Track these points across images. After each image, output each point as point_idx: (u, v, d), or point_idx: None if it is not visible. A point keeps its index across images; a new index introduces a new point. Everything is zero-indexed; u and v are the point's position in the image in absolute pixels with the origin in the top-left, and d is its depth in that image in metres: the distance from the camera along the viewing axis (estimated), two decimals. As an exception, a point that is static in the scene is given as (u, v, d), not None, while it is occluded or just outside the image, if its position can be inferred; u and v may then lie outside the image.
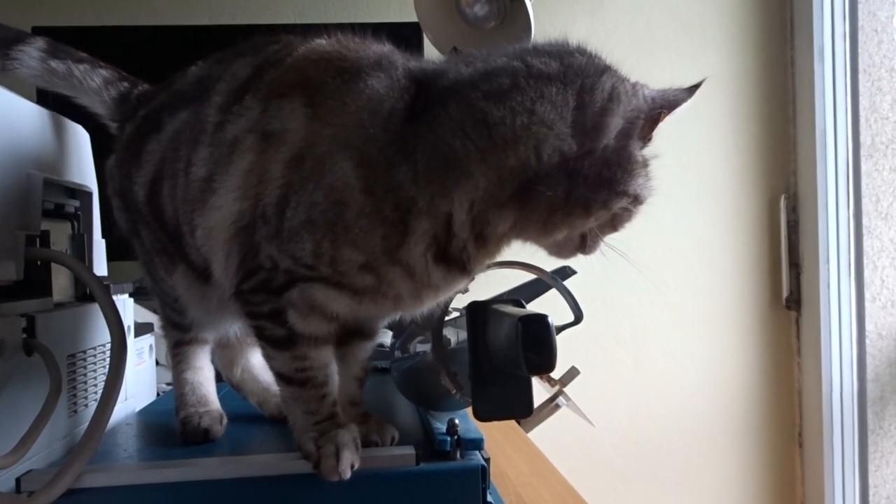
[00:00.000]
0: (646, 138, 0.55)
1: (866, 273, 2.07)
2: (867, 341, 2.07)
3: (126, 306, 0.95)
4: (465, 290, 0.63)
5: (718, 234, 2.17)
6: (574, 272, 0.80)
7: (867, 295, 2.07)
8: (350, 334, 0.66)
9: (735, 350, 2.17)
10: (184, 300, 0.72)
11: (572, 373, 1.50)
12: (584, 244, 0.58)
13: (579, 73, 0.54)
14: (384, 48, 0.59)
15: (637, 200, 0.55)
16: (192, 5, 1.94)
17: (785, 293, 2.16)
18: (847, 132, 2.04)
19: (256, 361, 0.83)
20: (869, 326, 2.07)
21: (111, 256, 0.89)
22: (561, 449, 1.81)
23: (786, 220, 2.15)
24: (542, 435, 1.50)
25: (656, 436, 2.14)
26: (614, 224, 0.57)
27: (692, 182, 2.15)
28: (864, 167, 2.06)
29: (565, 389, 1.53)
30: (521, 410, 0.58)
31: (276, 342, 0.60)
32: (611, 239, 0.59)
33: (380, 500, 0.60)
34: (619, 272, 2.12)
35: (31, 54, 0.77)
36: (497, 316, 0.56)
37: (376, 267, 0.55)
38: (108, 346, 0.89)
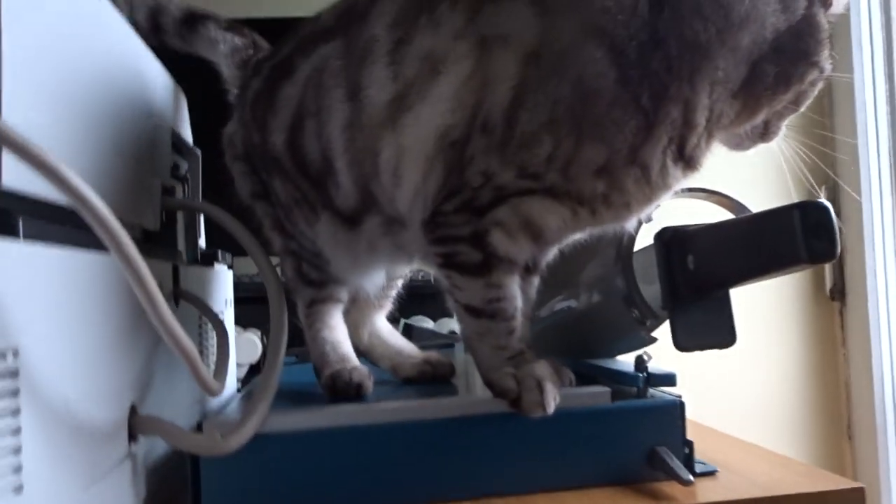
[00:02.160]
0: (827, 3, 0.56)
1: (910, 261, 2.07)
2: (915, 331, 2.05)
3: (228, 277, 0.92)
4: (650, 219, 0.60)
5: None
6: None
7: (913, 283, 2.07)
8: (522, 270, 0.62)
9: (779, 343, 2.15)
10: (327, 251, 0.69)
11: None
12: (768, 130, 0.60)
13: None
14: None
15: (822, 72, 0.57)
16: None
17: (829, 284, 2.14)
18: (887, 120, 2.05)
19: (383, 325, 0.79)
20: (917, 315, 2.06)
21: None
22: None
23: (827, 211, 2.14)
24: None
25: (700, 428, 2.11)
26: (798, 102, 0.58)
27: (732, 175, 2.15)
28: (904, 154, 2.06)
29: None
30: (726, 338, 0.55)
31: (470, 269, 0.56)
32: None
33: (576, 440, 0.56)
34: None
35: (210, 28, 0.79)
36: (712, 230, 0.53)
37: (615, 168, 0.53)
38: (222, 314, 0.85)
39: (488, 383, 0.57)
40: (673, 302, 0.55)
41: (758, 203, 2.12)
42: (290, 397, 0.73)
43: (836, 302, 2.16)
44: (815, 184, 2.21)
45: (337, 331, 0.72)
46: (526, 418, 0.55)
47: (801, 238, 0.48)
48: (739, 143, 0.60)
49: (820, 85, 0.58)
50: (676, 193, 0.60)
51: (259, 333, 1.35)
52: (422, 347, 0.79)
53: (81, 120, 0.51)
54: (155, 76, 0.75)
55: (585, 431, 0.56)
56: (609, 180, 0.54)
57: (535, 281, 0.65)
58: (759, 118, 0.57)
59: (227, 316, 0.90)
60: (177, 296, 0.63)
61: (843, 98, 2.12)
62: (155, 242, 0.67)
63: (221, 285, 0.87)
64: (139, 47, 0.72)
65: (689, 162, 0.55)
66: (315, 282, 0.71)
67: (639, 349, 0.65)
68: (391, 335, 0.78)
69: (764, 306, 2.15)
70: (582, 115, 0.52)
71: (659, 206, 0.59)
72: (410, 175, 0.57)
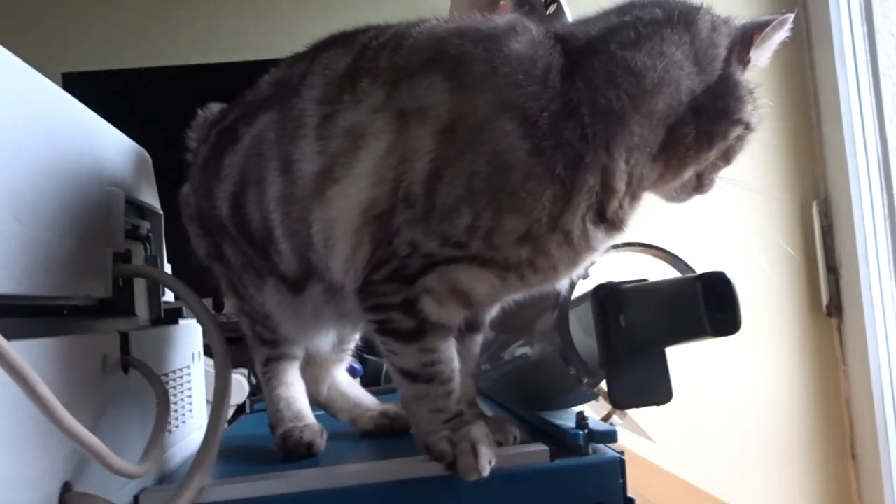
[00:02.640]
0: (744, 61, 0.57)
1: (907, 274, 2.05)
2: (914, 344, 2.03)
3: (197, 332, 0.92)
4: (586, 276, 0.61)
5: (754, 241, 2.15)
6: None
7: (910, 297, 2.05)
8: (464, 329, 0.63)
9: (777, 360, 2.13)
10: (275, 315, 0.70)
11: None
12: (702, 183, 0.60)
13: (681, 14, 0.57)
14: (511, 15, 0.58)
15: (748, 128, 0.58)
16: (214, 45, 1.96)
17: (825, 300, 2.13)
18: (875, 133, 2.04)
19: (342, 378, 0.80)
20: (915, 329, 2.04)
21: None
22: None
23: (819, 225, 2.13)
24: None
25: (701, 451, 2.09)
26: (727, 157, 0.59)
27: (721, 194, 2.14)
28: (894, 166, 2.05)
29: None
30: (662, 395, 0.55)
31: (404, 335, 0.57)
32: None
33: (515, 500, 0.56)
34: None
35: None
36: (639, 292, 0.53)
37: (536, 236, 0.53)
38: (188, 370, 0.86)
39: (426, 447, 0.57)
40: (608, 359, 0.55)
41: (745, 224, 2.10)
42: (247, 456, 0.74)
43: (834, 318, 2.14)
44: (805, 197, 2.20)
45: (293, 388, 0.73)
46: (465, 482, 0.55)
47: (703, 311, 0.48)
48: (675, 197, 0.61)
49: (748, 138, 0.59)
50: (615, 247, 0.60)
51: (246, 373, 1.36)
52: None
53: (23, 201, 0.53)
54: (111, 146, 0.77)
55: (525, 491, 0.57)
56: (532, 247, 0.54)
57: (478, 338, 0.65)
58: (686, 176, 0.58)
59: (196, 370, 0.91)
60: (125, 364, 0.64)
61: (830, 112, 2.11)
62: (107, 310, 0.69)
63: (187, 340, 0.88)
64: (93, 122, 0.74)
65: (612, 224, 0.56)
66: (269, 341, 0.72)
67: (584, 403, 0.65)
68: (350, 387, 0.79)
69: (760, 324, 2.13)
70: (498, 188, 0.52)
71: (592, 264, 0.60)
72: (340, 246, 0.58)
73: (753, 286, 2.15)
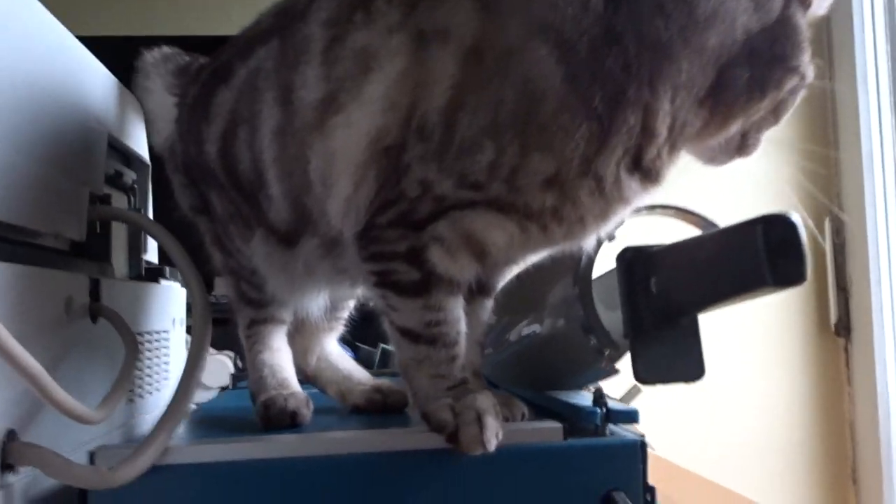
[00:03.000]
0: (806, 3, 0.51)
1: (921, 297, 1.99)
2: (925, 368, 1.97)
3: (180, 296, 0.86)
4: (612, 238, 0.55)
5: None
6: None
7: (922, 320, 1.99)
8: (474, 290, 0.57)
9: (781, 379, 2.07)
10: (262, 271, 0.63)
11: (634, 391, 1.40)
12: (746, 143, 0.54)
13: None
14: None
15: (803, 80, 0.51)
16: (211, 17, 1.91)
17: (833, 319, 2.07)
18: (894, 152, 1.99)
19: (333, 349, 0.73)
20: (926, 352, 1.98)
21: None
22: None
23: (831, 244, 2.08)
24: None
25: (700, 467, 2.02)
26: (777, 112, 0.53)
27: (735, 207, 2.09)
28: (911, 187, 2.00)
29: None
30: (693, 371, 0.49)
31: (407, 288, 0.50)
32: None
33: (523, 481, 0.50)
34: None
35: None
36: (677, 249, 0.47)
37: (565, 180, 0.47)
38: (165, 334, 0.80)
39: (424, 416, 0.51)
40: (635, 330, 0.49)
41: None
42: (227, 425, 0.67)
43: (842, 338, 2.08)
44: (819, 214, 2.13)
45: (279, 354, 0.67)
46: (467, 456, 0.48)
47: (765, 258, 0.41)
48: (713, 158, 0.55)
49: (801, 93, 0.53)
50: (639, 211, 0.54)
51: (232, 356, 1.30)
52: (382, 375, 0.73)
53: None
54: (96, 82, 0.71)
55: (534, 472, 0.50)
56: (559, 192, 0.48)
57: (488, 304, 0.59)
58: (733, 129, 0.51)
59: (176, 336, 0.84)
60: (94, 312, 0.58)
61: (848, 131, 2.07)
62: (79, 253, 0.62)
63: (168, 303, 0.82)
64: (80, 54, 0.68)
65: (647, 174, 0.50)
66: (254, 301, 0.66)
67: (601, 380, 0.58)
68: (341, 359, 0.72)
69: (765, 340, 2.08)
70: (527, 120, 0.47)
71: (621, 222, 0.54)
72: (341, 183, 0.52)
73: (762, 301, 2.09)
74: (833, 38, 2.11)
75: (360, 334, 0.82)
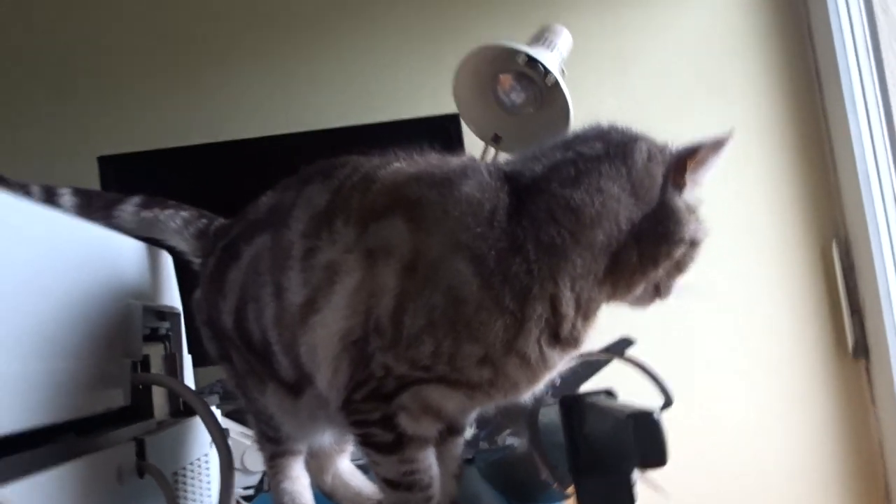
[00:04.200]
0: (680, 185, 0.61)
1: (934, 314, 2.03)
2: (945, 385, 2.00)
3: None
4: (555, 385, 0.65)
5: (773, 287, 2.15)
6: (632, 342, 0.83)
7: (938, 337, 2.02)
8: (444, 433, 0.68)
9: (806, 405, 2.11)
10: (276, 416, 0.76)
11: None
12: (659, 291, 0.64)
13: (619, 146, 0.62)
14: (463, 158, 0.64)
15: (693, 244, 0.62)
16: (244, 120, 2.06)
17: (850, 341, 2.11)
18: (890, 173, 2.04)
19: (345, 467, 0.85)
20: (945, 369, 2.01)
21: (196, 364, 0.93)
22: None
23: (840, 266, 2.12)
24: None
25: (729, 499, 2.07)
26: (680, 268, 0.64)
27: (739, 238, 2.15)
28: (912, 205, 2.04)
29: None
30: (626, 502, 0.59)
31: (384, 447, 0.62)
32: None
33: None
34: (677, 334, 2.11)
35: (127, 210, 0.87)
36: (596, 410, 0.58)
37: (494, 359, 0.59)
38: (206, 457, 0.93)
39: (405, 549, 0.62)
40: (574, 467, 0.59)
41: (766, 268, 2.11)
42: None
43: (861, 360, 2.11)
44: (825, 238, 2.20)
45: (297, 482, 0.79)
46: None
47: (635, 448, 0.52)
48: (636, 304, 0.65)
49: (697, 252, 0.63)
50: (591, 357, 0.65)
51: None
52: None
53: (44, 337, 0.60)
54: (129, 257, 0.84)
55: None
56: (492, 368, 0.59)
57: (460, 440, 0.70)
58: (639, 291, 0.62)
59: (214, 454, 0.97)
60: (141, 469, 0.70)
61: (844, 154, 2.12)
62: (125, 417, 0.75)
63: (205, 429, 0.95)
64: (108, 239, 0.81)
65: (567, 343, 0.60)
66: (273, 439, 0.78)
67: (555, 503, 0.69)
68: (352, 476, 0.84)
69: (784, 367, 2.12)
70: (455, 319, 0.58)
71: (562, 372, 0.64)
72: (323, 369, 0.64)
73: (778, 330, 2.14)
74: (819, 62, 2.17)
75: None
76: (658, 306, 0.68)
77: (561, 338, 0.60)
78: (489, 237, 0.58)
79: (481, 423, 0.86)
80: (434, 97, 2.02)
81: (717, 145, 0.62)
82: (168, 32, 2.17)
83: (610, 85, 2.19)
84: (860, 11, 2.08)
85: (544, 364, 0.60)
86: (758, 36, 2.22)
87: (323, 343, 0.63)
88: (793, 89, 2.20)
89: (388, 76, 2.16)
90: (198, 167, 1.86)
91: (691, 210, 0.62)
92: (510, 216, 0.59)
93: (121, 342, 0.76)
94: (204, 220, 0.88)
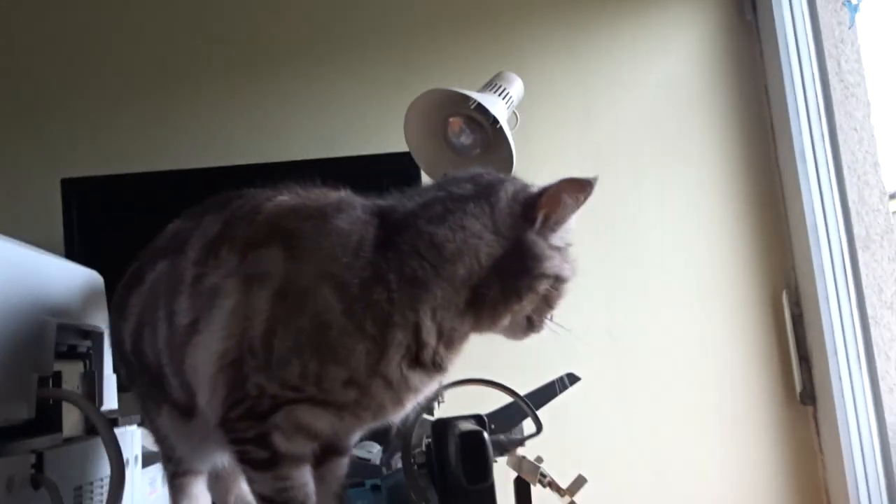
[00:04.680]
0: (531, 220, 0.65)
1: (879, 363, 2.06)
2: (889, 433, 2.02)
3: (135, 436, 1.01)
4: (442, 401, 0.69)
5: (724, 333, 2.19)
6: (578, 378, 0.86)
7: (883, 386, 2.05)
8: (326, 453, 0.71)
9: (755, 450, 2.13)
10: (170, 437, 0.79)
11: (579, 481, 1.49)
12: (532, 325, 0.67)
13: (487, 187, 0.66)
14: (341, 193, 0.69)
15: (559, 280, 0.66)
16: (207, 148, 2.11)
17: (798, 388, 2.14)
18: (839, 226, 2.10)
19: (247, 489, 0.87)
20: (889, 418, 2.04)
21: (123, 388, 0.95)
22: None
23: (790, 315, 2.17)
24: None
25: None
26: (548, 303, 0.67)
27: (693, 284, 2.20)
28: (861, 258, 2.09)
29: (576, 499, 1.52)
30: (491, 523, 0.62)
31: (259, 464, 0.65)
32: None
33: None
34: (628, 377, 2.14)
35: None
36: (453, 433, 0.61)
37: (359, 381, 0.62)
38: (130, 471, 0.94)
39: (280, 566, 0.64)
40: (442, 491, 0.62)
41: (717, 314, 2.16)
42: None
43: (809, 406, 2.14)
44: (776, 287, 2.25)
45: (196, 500, 0.81)
46: None
47: (460, 463, 0.55)
48: (510, 335, 0.69)
49: (563, 288, 0.67)
50: (456, 383, 0.68)
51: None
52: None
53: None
54: (54, 277, 0.87)
55: None
56: (358, 390, 0.63)
57: (343, 461, 0.73)
58: (505, 323, 0.66)
59: (136, 472, 0.99)
60: (36, 482, 0.73)
61: (794, 206, 2.18)
62: (30, 430, 0.78)
63: (124, 446, 0.97)
64: (33, 259, 0.84)
65: (430, 367, 0.64)
66: (172, 458, 0.81)
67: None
68: (252, 499, 0.86)
69: (736, 414, 2.15)
70: (320, 342, 0.62)
71: (435, 397, 0.68)
72: (202, 388, 0.67)
73: (729, 375, 2.17)
74: (774, 117, 2.25)
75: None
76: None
77: (422, 363, 0.63)
78: (354, 266, 0.62)
79: (386, 445, 0.89)
80: (401, 134, 2.08)
81: (573, 185, 0.66)
82: (137, 59, 2.23)
83: (572, 132, 2.26)
84: (812, 74, 2.17)
85: (407, 387, 0.63)
86: (717, 93, 2.30)
87: (203, 362, 0.66)
88: (748, 144, 2.27)
89: (353, 113, 2.22)
90: (161, 193, 1.90)
91: (554, 248, 0.66)
92: (377, 248, 0.63)
93: (30, 356, 0.79)
94: None
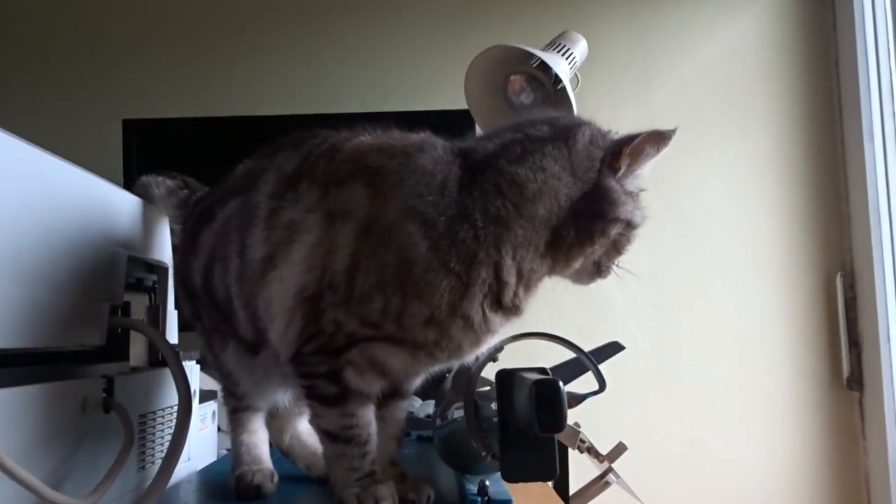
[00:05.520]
0: (615, 169, 0.65)
1: (932, 353, 2.01)
2: (937, 423, 1.98)
3: (193, 372, 1.03)
4: (495, 360, 0.69)
5: (774, 312, 2.15)
6: (623, 347, 0.86)
7: (934, 376, 2.00)
8: (388, 395, 0.72)
9: (795, 433, 2.11)
10: (235, 373, 0.80)
11: (619, 448, 1.49)
12: (599, 270, 0.68)
13: (564, 130, 0.66)
14: (422, 134, 0.68)
15: (630, 225, 0.66)
16: (265, 97, 2.12)
17: (846, 373, 2.10)
18: (902, 208, 2.03)
19: (304, 428, 0.89)
20: (938, 409, 1.99)
21: (183, 328, 0.98)
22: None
23: (843, 298, 2.12)
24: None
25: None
26: (617, 248, 0.67)
27: (745, 259, 2.16)
28: (921, 243, 2.03)
29: (614, 466, 1.53)
30: (546, 472, 0.62)
31: (328, 400, 0.66)
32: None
33: (413, 556, 0.64)
34: (672, 350, 2.12)
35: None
36: (521, 381, 0.61)
37: (439, 320, 0.62)
38: (176, 407, 0.97)
39: (338, 500, 0.66)
40: (501, 437, 0.63)
41: (767, 292, 2.13)
42: (216, 492, 0.84)
43: (855, 392, 2.11)
44: (830, 269, 2.20)
45: (255, 435, 0.83)
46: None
47: (534, 411, 0.55)
48: (577, 280, 0.69)
49: (633, 234, 0.67)
50: (519, 337, 0.68)
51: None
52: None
53: (23, 267, 0.64)
54: (121, 210, 0.89)
55: (422, 548, 0.64)
56: (437, 329, 0.63)
57: (403, 404, 0.74)
58: (577, 266, 0.66)
59: (196, 406, 1.01)
60: (107, 405, 0.75)
61: (857, 186, 2.11)
62: (100, 356, 0.80)
63: (182, 381, 0.99)
64: (103, 190, 0.86)
65: (509, 310, 0.64)
66: (234, 394, 0.82)
67: (490, 473, 0.72)
68: (309, 437, 0.88)
69: (779, 395, 2.12)
70: (404, 279, 0.62)
71: (501, 348, 0.68)
72: (276, 321, 0.68)
73: (774, 356, 2.14)
74: (842, 93, 2.17)
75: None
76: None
77: (503, 304, 0.63)
78: (440, 204, 0.62)
79: (439, 400, 0.90)
80: (455, 92, 2.06)
81: (656, 137, 0.65)
82: (202, 8, 2.24)
83: (630, 96, 2.21)
84: (889, 50, 2.08)
85: (487, 328, 0.63)
86: (784, 63, 2.22)
87: (279, 296, 0.67)
88: (813, 119, 2.20)
89: (409, 68, 2.20)
90: (218, 138, 1.92)
91: (628, 193, 0.65)
92: (461, 187, 0.63)
93: (103, 285, 0.81)
94: (186, 191, 0.94)
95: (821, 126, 2.20)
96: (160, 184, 0.93)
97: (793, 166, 2.19)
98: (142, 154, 1.84)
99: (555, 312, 1.85)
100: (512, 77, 1.55)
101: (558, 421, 0.55)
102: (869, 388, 2.07)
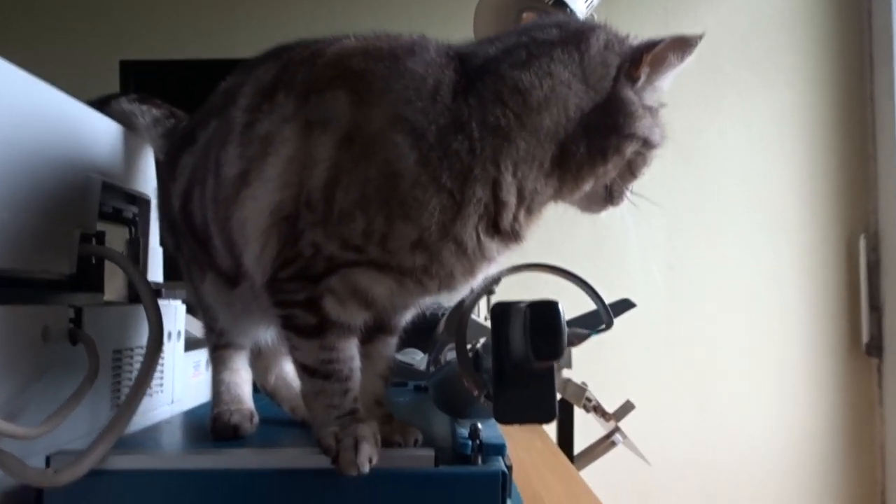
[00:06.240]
0: (634, 78, 0.58)
1: (957, 320, 1.94)
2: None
3: (178, 312, 0.98)
4: (492, 292, 0.62)
5: (792, 273, 2.08)
6: (633, 305, 0.80)
7: (958, 344, 1.93)
8: (374, 330, 0.66)
9: (810, 398, 2.05)
10: (213, 307, 0.75)
11: (627, 407, 1.45)
12: (612, 195, 0.61)
13: (576, 33, 0.59)
14: (413, 35, 0.61)
15: (647, 144, 0.58)
16: (266, 40, 2.04)
17: (865, 338, 2.03)
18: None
19: (289, 369, 0.84)
20: (960, 378, 1.93)
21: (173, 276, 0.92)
22: (617, 494, 1.73)
23: (865, 261, 2.04)
24: (596, 477, 1.45)
25: (720, 487, 2.03)
26: (632, 170, 0.60)
27: (763, 218, 2.08)
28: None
29: (620, 425, 1.48)
30: (544, 414, 0.56)
31: (306, 331, 0.60)
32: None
33: (396, 501, 0.59)
34: (684, 309, 2.05)
35: (121, 101, 0.90)
36: (517, 312, 0.55)
37: (429, 243, 0.56)
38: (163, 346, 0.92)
39: (317, 440, 0.60)
40: (496, 376, 0.57)
41: (786, 252, 2.06)
42: (190, 433, 0.79)
43: (874, 358, 2.04)
44: (853, 230, 2.13)
45: (237, 374, 0.78)
46: (346, 476, 0.57)
47: (529, 337, 0.48)
48: (586, 207, 0.63)
49: (651, 154, 0.59)
50: (517, 269, 0.62)
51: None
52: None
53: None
54: (98, 136, 0.83)
55: (406, 494, 0.59)
56: (426, 254, 0.56)
57: (391, 341, 0.68)
58: (586, 188, 0.59)
59: (171, 348, 0.96)
60: (74, 337, 0.70)
61: (886, 146, 2.02)
62: (71, 285, 0.75)
63: (167, 319, 0.94)
64: (80, 113, 0.80)
65: (507, 236, 0.58)
66: (214, 330, 0.77)
67: (486, 418, 0.66)
68: (295, 378, 0.82)
69: (795, 359, 2.06)
70: (389, 195, 0.55)
71: (497, 280, 0.61)
72: (251, 245, 0.62)
73: (791, 318, 2.07)
74: (874, 49, 2.06)
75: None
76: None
77: (501, 228, 0.57)
78: (431, 112, 0.55)
79: (432, 346, 0.84)
80: (466, 31, 1.98)
81: (679, 43, 0.58)
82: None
83: (649, 47, 2.11)
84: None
85: (482, 254, 0.57)
86: (813, 15, 2.11)
87: (252, 217, 0.61)
88: (842, 74, 2.10)
89: (418, 11, 2.12)
90: (216, 81, 1.85)
91: (647, 107, 0.58)
92: (456, 94, 0.56)
93: (73, 211, 0.76)
94: (173, 121, 0.88)
95: (849, 80, 2.09)
96: (145, 112, 0.86)
97: (818, 122, 2.10)
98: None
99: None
100: (525, 14, 1.46)
101: (556, 347, 0.49)
102: (889, 355, 2.00)
